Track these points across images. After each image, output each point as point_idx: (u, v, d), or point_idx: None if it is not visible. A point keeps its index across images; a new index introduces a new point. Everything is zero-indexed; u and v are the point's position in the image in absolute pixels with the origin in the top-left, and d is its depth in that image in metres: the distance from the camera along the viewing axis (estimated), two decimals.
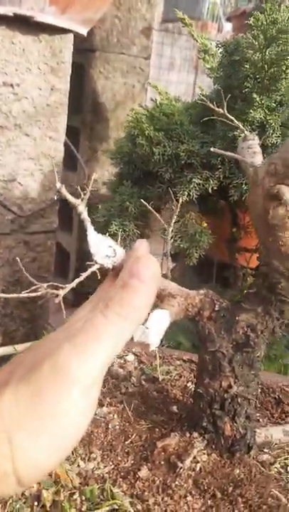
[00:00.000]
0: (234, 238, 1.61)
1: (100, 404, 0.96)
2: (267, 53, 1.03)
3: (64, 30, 1.93)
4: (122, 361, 1.14)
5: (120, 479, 0.79)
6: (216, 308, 0.83)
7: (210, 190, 1.32)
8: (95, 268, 0.79)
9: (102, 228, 1.50)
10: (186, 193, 1.31)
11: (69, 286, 0.74)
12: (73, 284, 0.73)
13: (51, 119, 2.04)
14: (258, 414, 1.01)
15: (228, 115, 0.79)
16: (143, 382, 1.06)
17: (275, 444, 0.92)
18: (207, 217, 1.62)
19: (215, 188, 1.32)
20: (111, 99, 2.88)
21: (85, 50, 2.70)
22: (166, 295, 0.82)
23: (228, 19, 3.68)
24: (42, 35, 1.87)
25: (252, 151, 0.78)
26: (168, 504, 0.75)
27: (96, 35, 2.76)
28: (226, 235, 1.66)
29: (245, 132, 0.79)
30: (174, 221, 1.30)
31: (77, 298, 1.40)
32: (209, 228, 1.56)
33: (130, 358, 1.16)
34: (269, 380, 1.11)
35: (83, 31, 2.03)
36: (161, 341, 0.78)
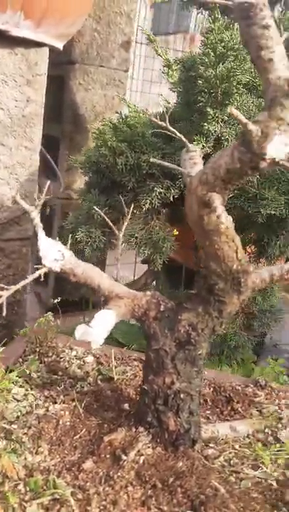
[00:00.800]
0: (196, 245, 1.67)
1: (53, 402, 1.00)
2: (218, 70, 1.09)
3: (39, 44, 1.98)
4: (81, 362, 1.18)
5: (65, 471, 0.82)
6: (162, 309, 0.88)
7: (171, 199, 1.37)
8: (43, 271, 0.84)
9: (69, 235, 1.54)
10: (148, 201, 1.36)
11: (13, 288, 0.78)
12: (18, 287, 0.77)
13: (27, 129, 2.09)
14: (208, 412, 1.05)
15: (171, 129, 0.84)
16: (99, 382, 1.10)
17: (222, 439, 0.96)
18: (174, 225, 1.67)
19: (176, 196, 1.37)
20: (91, 111, 2.94)
21: (65, 62, 2.76)
22: (114, 296, 0.87)
23: (207, 32, 3.75)
24: (17, 49, 1.92)
25: (192, 162, 0.83)
26: (108, 494, 0.78)
27: (76, 48, 2.82)
28: (191, 242, 1.71)
29: (188, 144, 0.84)
30: (138, 228, 1.35)
31: (60, 303, 1.44)
32: (177, 236, 1.61)
33: (89, 359, 1.20)
34: (222, 380, 1.16)
35: (59, 45, 2.08)
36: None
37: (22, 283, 0.75)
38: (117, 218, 1.44)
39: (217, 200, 0.71)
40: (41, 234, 0.84)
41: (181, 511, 0.77)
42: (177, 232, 1.69)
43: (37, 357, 1.17)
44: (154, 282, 1.85)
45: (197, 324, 0.84)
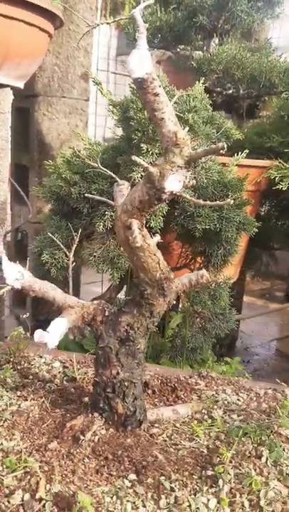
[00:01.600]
0: None
1: (24, 399, 1.18)
2: (145, 113, 1.31)
3: (1, 85, 2.19)
4: (49, 367, 1.37)
5: (34, 452, 1.01)
6: (106, 314, 1.08)
7: None
8: (6, 289, 1.03)
9: (36, 258, 1.73)
10: (102, 223, 1.56)
11: None
12: None
13: None
14: (156, 400, 1.25)
15: (103, 169, 1.05)
16: (64, 382, 1.29)
17: (165, 420, 1.16)
18: None
19: None
20: (56, 138, 3.15)
21: (29, 95, 2.97)
22: (66, 307, 1.07)
23: (158, 62, 4.01)
24: None
25: (121, 194, 1.03)
26: (68, 466, 0.97)
27: (38, 82, 3.03)
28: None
29: (118, 180, 1.05)
30: (97, 248, 1.56)
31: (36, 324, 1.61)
32: None
33: (56, 364, 1.39)
34: (169, 374, 1.36)
35: (20, 84, 2.30)
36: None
37: None
38: (80, 240, 1.63)
39: (136, 225, 0.92)
40: (4, 258, 1.03)
41: (127, 475, 0.96)
42: None
43: (11, 366, 1.35)
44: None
45: (134, 324, 1.04)
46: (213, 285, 1.88)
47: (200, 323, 1.96)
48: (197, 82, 1.71)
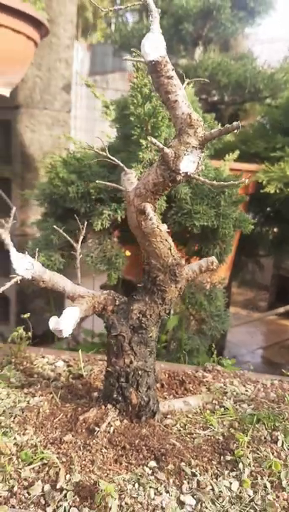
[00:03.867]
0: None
1: (33, 396, 1.16)
2: (146, 108, 1.33)
3: None
4: (52, 367, 1.35)
5: (49, 445, 0.98)
6: (117, 303, 1.07)
7: (120, 219, 1.58)
8: (17, 278, 1.02)
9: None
10: (99, 223, 1.56)
11: None
12: None
13: None
14: (165, 393, 1.24)
15: (112, 158, 1.05)
16: (70, 380, 1.27)
17: (177, 412, 1.15)
18: (127, 247, 1.87)
19: (124, 217, 1.57)
20: (39, 150, 3.14)
21: (10, 107, 2.97)
22: (77, 296, 1.05)
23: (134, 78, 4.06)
24: None
25: (130, 182, 1.04)
26: (86, 456, 0.95)
27: (20, 94, 3.03)
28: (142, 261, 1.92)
29: (125, 169, 1.06)
30: (94, 248, 1.55)
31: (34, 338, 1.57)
32: (129, 257, 1.81)
33: (60, 364, 1.37)
34: (175, 369, 1.35)
35: (6, 92, 2.30)
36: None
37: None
38: (75, 241, 1.63)
39: (149, 208, 0.92)
40: (12, 249, 1.01)
41: (147, 463, 0.94)
42: (129, 254, 1.89)
43: (13, 366, 1.32)
44: None
45: (146, 311, 1.03)
46: (209, 286, 1.89)
47: (196, 325, 1.96)
48: (187, 85, 1.75)
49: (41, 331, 2.13)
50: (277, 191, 2.11)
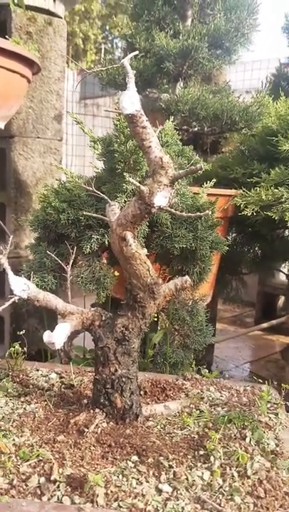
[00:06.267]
0: None
1: (28, 403, 1.29)
2: (128, 146, 1.50)
3: None
4: (46, 378, 1.48)
5: (44, 444, 1.12)
6: (103, 318, 1.22)
7: (107, 243, 1.73)
8: (15, 298, 1.16)
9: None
10: (88, 246, 1.71)
11: None
12: None
13: None
14: (148, 400, 1.38)
15: (97, 192, 1.21)
16: (63, 389, 1.41)
17: (158, 415, 1.29)
18: (115, 267, 2.02)
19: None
20: (32, 177, 3.31)
21: (5, 137, 3.14)
22: (68, 313, 1.20)
23: (117, 120, 4.26)
24: None
25: (113, 213, 1.19)
26: (77, 453, 1.09)
27: (14, 124, 3.21)
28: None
29: (109, 201, 1.21)
30: (84, 270, 1.70)
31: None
32: (118, 276, 1.95)
33: (53, 375, 1.50)
34: (157, 378, 1.49)
35: (1, 125, 2.47)
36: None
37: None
38: (66, 263, 1.78)
39: (129, 236, 1.08)
40: (10, 272, 1.16)
41: (130, 457, 1.08)
42: (118, 274, 2.04)
43: (10, 378, 1.46)
44: None
45: (128, 325, 1.18)
46: (191, 302, 2.04)
47: (180, 340, 2.11)
48: (167, 120, 1.92)
49: (35, 349, 2.25)
50: (254, 214, 2.28)
